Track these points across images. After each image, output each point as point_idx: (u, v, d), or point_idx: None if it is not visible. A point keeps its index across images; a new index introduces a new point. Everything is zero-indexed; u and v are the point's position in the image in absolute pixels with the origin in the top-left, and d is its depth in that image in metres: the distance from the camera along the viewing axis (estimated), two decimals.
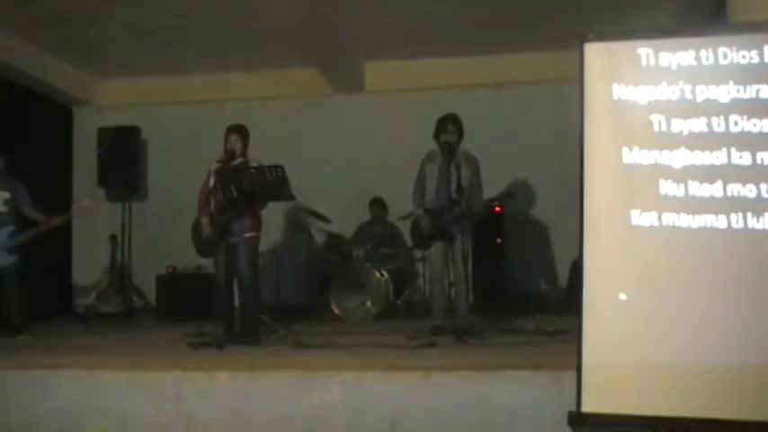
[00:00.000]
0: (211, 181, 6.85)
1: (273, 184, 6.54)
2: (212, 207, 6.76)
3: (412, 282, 9.73)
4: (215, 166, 6.86)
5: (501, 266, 9.66)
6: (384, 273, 8.96)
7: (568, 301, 8.36)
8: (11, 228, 7.77)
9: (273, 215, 9.61)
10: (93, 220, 9.98)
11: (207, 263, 7.79)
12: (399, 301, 9.32)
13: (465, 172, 6.95)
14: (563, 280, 9.73)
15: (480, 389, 4.67)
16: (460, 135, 7.10)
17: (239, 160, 6.90)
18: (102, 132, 10.55)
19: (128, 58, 10.21)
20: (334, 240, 9.70)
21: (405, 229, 9.08)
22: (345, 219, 9.98)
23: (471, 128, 7.29)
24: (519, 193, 9.10)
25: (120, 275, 10.28)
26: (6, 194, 7.84)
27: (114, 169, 10.41)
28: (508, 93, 10.29)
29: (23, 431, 5.10)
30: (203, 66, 10.42)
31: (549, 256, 10.25)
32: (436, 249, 7.14)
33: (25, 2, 8.22)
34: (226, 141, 6.95)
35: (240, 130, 7.00)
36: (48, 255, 8.55)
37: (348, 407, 4.76)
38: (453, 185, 6.87)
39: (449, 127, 7.06)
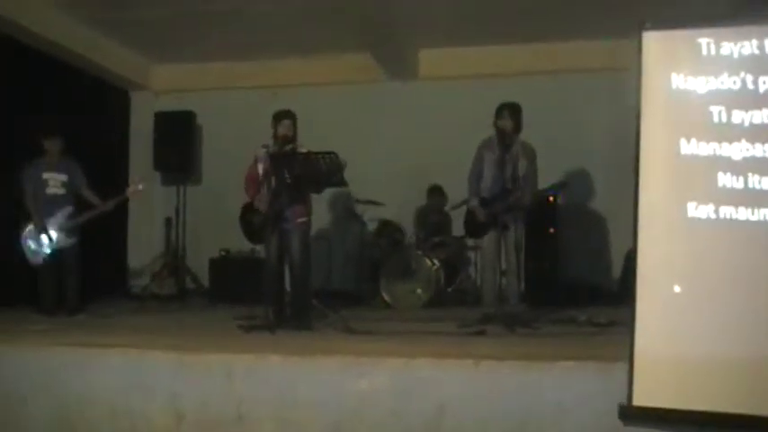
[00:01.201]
0: (260, 167, 6.88)
1: (328, 170, 6.55)
2: (263, 192, 6.81)
3: (463, 270, 9.70)
4: (261, 152, 6.89)
5: (554, 256, 9.61)
6: (435, 261, 8.95)
7: (621, 292, 8.26)
8: (69, 209, 7.92)
9: (326, 201, 9.70)
10: (148, 204, 10.14)
11: (260, 247, 7.84)
12: (450, 289, 9.30)
13: (522, 162, 6.91)
14: (617, 271, 9.63)
15: (529, 379, 4.63)
16: (517, 124, 7.05)
17: (290, 146, 6.92)
18: (159, 117, 10.70)
19: (183, 42, 10.32)
20: (386, 227, 9.71)
21: (456, 217, 9.08)
22: (399, 206, 9.98)
23: (527, 116, 7.23)
24: (573, 183, 9.02)
25: (174, 258, 10.42)
26: (64, 177, 7.99)
27: (170, 153, 10.58)
28: (564, 81, 10.18)
29: (77, 408, 5.17)
30: (257, 51, 10.49)
31: (602, 247, 10.15)
32: (489, 238, 7.16)
33: None
34: (278, 126, 6.95)
35: (293, 116, 7.02)
36: (104, 237, 8.70)
37: (396, 393, 4.75)
38: (508, 175, 6.86)
39: (504, 113, 7.03)
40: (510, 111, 7.04)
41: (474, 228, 7.33)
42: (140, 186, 8.15)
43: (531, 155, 7.06)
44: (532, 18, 9.29)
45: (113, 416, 5.12)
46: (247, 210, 7.03)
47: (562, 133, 9.68)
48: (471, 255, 9.68)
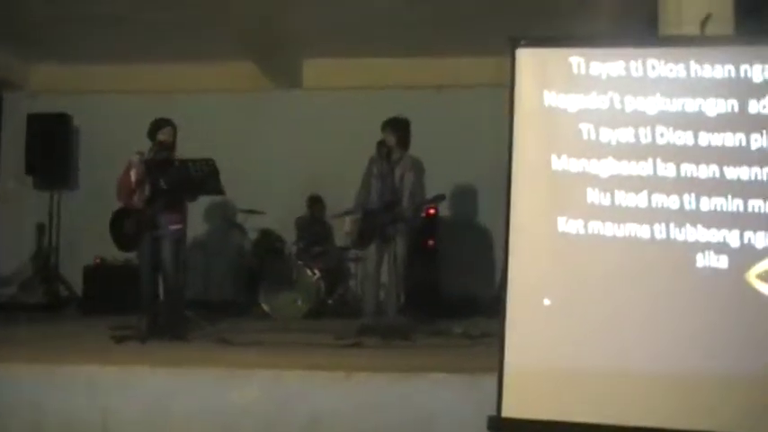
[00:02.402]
0: (133, 173, 6.74)
1: (203, 177, 6.46)
2: (136, 199, 6.66)
3: (344, 281, 9.68)
4: (135, 158, 6.77)
5: (434, 269, 9.68)
6: (316, 271, 8.91)
7: (497, 305, 8.38)
8: None
9: (205, 209, 9.53)
10: (18, 208, 9.75)
11: (135, 255, 7.65)
12: (330, 300, 9.26)
13: (408, 177, 6.98)
14: (496, 284, 9.76)
15: (401, 390, 4.65)
16: (402, 138, 7.12)
17: (165, 153, 6.80)
18: (32, 118, 10.32)
19: (61, 43, 9.99)
20: (267, 237, 9.61)
21: (337, 228, 9.07)
22: (281, 215, 9.89)
23: (412, 129, 7.29)
24: (455, 196, 9.13)
25: (45, 265, 10.05)
26: None
27: (43, 156, 10.19)
28: (447, 95, 10.31)
29: None
30: (140, 55, 10.26)
31: (482, 260, 10.27)
32: (371, 249, 7.18)
33: None
34: (157, 133, 6.83)
35: (173, 125, 6.94)
36: None
37: (268, 405, 4.70)
38: (392, 188, 6.98)
39: (387, 128, 7.12)
40: (393, 126, 7.10)
41: (359, 239, 7.34)
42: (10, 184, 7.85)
43: (418, 169, 7.13)
44: (417, 32, 9.36)
45: None
46: (118, 216, 6.83)
47: (447, 147, 9.76)
48: (352, 266, 9.67)
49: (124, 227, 6.73)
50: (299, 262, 9.09)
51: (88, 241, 9.89)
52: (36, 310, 9.30)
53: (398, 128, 7.14)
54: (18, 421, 4.86)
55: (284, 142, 10.44)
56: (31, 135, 10.26)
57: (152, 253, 6.72)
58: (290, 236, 9.76)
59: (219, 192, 6.73)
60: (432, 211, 9.56)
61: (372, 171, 7.26)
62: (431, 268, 9.57)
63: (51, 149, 10.20)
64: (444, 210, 9.79)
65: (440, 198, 7.35)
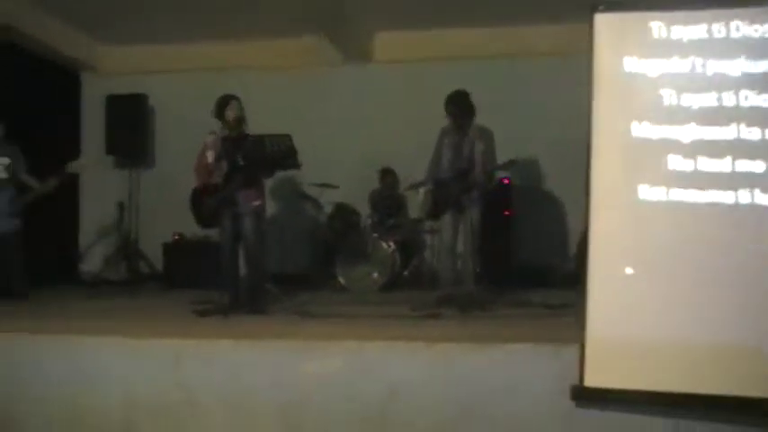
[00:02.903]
0: (209, 154, 6.80)
1: (281, 152, 6.50)
2: (215, 177, 6.75)
3: (419, 253, 9.70)
4: (210, 138, 6.83)
5: (509, 238, 9.65)
6: (391, 243, 8.94)
7: (576, 274, 8.32)
8: (11, 193, 7.80)
9: (279, 184, 9.63)
10: (100, 188, 9.97)
11: (214, 231, 7.78)
12: (406, 272, 9.29)
13: (478, 146, 6.94)
14: (572, 253, 9.68)
15: (480, 360, 4.64)
16: (468, 110, 7.07)
17: (238, 129, 6.86)
18: (110, 100, 10.53)
19: (135, 24, 10.12)
20: (341, 210, 9.67)
21: (410, 199, 9.07)
22: (353, 189, 9.93)
23: (483, 100, 7.24)
24: (529, 165, 9.05)
25: (126, 242, 10.29)
26: (6, 160, 7.88)
27: (122, 137, 10.41)
28: (521, 65, 10.16)
29: (25, 394, 5.10)
30: (210, 34, 10.35)
31: (558, 230, 10.20)
32: (446, 220, 7.17)
33: None
34: (226, 110, 6.85)
35: (236, 98, 6.94)
36: (54, 222, 8.55)
37: (347, 376, 4.75)
38: (465, 157, 6.98)
39: (451, 106, 7.07)
40: (454, 103, 7.06)
41: (433, 209, 7.34)
42: (83, 161, 8.04)
43: (488, 138, 7.09)
44: (488, 1, 9.26)
45: (62, 403, 5.06)
46: (197, 194, 6.92)
47: (519, 117, 9.68)
48: (427, 237, 9.68)
49: (204, 204, 6.83)
50: (374, 235, 9.13)
51: (166, 218, 10.10)
52: (119, 285, 9.54)
53: (460, 101, 7.09)
54: (108, 393, 4.99)
55: (355, 116, 10.45)
56: (110, 116, 10.48)
57: (233, 229, 6.80)
58: (363, 209, 9.80)
59: (296, 166, 6.76)
60: (506, 180, 9.50)
61: (444, 141, 7.23)
62: (506, 238, 9.54)
63: (129, 130, 10.40)
64: (518, 179, 9.70)
65: (510, 163, 7.29)
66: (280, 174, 7.23)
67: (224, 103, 6.89)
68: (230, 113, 6.84)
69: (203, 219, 6.93)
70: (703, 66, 4.12)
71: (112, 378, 5.00)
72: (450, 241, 7.18)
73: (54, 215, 8.28)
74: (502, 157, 7.23)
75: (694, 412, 4.16)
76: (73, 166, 7.87)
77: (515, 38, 10.14)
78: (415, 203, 8.59)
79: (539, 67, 9.95)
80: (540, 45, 9.94)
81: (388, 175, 9.97)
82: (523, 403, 4.50)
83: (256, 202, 6.85)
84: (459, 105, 7.07)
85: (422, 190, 7.66)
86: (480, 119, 7.19)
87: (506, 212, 9.65)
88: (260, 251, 6.97)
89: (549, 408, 4.44)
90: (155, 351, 5.04)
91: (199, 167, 6.91)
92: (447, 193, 7.06)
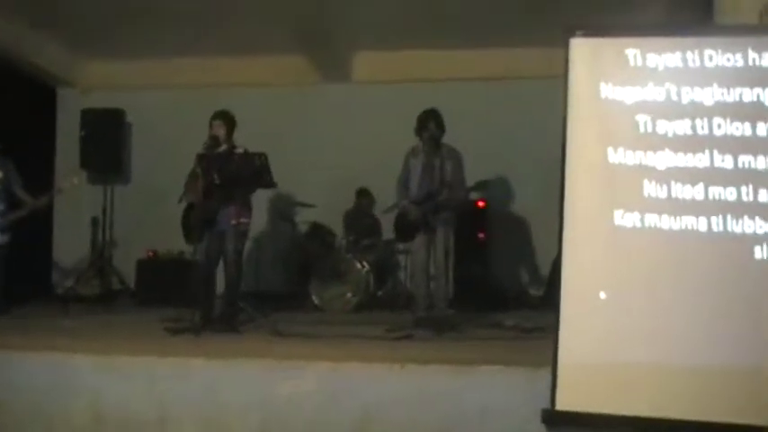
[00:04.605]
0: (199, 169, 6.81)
1: (256, 171, 6.51)
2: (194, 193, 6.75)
3: (393, 274, 9.70)
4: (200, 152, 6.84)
5: (483, 261, 9.66)
6: (365, 264, 8.94)
7: (548, 297, 8.35)
8: (2, 207, 7.74)
9: (256, 203, 9.59)
10: (75, 203, 9.91)
11: (188, 248, 7.76)
12: (380, 293, 9.29)
13: (447, 166, 6.96)
14: (545, 277, 9.72)
15: (454, 383, 4.66)
16: (442, 129, 7.10)
17: (224, 147, 6.87)
18: (86, 114, 10.47)
19: (113, 39, 10.07)
20: (317, 230, 9.66)
21: (385, 221, 9.09)
22: (329, 208, 9.93)
23: (457, 122, 7.28)
24: (503, 187, 9.09)
25: (100, 258, 10.21)
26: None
27: (97, 152, 10.32)
28: (496, 88, 10.22)
29: None
30: (190, 50, 10.30)
31: (531, 253, 10.24)
32: (419, 242, 7.16)
33: None
34: (210, 127, 6.91)
35: (224, 117, 6.98)
36: (29, 237, 8.46)
37: (322, 396, 4.75)
38: (436, 179, 6.92)
39: (429, 124, 7.06)
40: (434, 120, 7.08)
41: (404, 231, 7.34)
42: (75, 180, 7.99)
43: (457, 159, 7.10)
44: (466, 24, 9.31)
45: (33, 417, 5.02)
46: (188, 210, 6.94)
47: (493, 140, 9.74)
48: (401, 258, 9.69)
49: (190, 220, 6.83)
50: (349, 255, 9.13)
51: (141, 234, 10.06)
52: (91, 301, 9.45)
53: (439, 118, 7.11)
54: (79, 408, 4.96)
55: (333, 135, 10.45)
56: (86, 130, 10.40)
57: (213, 247, 6.81)
58: (339, 229, 9.80)
59: (272, 185, 6.78)
60: (481, 203, 9.54)
61: (411, 162, 7.22)
62: (480, 261, 9.55)
63: (105, 144, 10.33)
64: (492, 202, 9.74)
65: (482, 184, 7.32)
66: (257, 192, 7.21)
67: (210, 120, 6.96)
68: (212, 131, 6.89)
69: (190, 235, 6.91)
70: (678, 93, 4.19)
71: (85, 394, 4.98)
72: (423, 263, 7.16)
73: (29, 230, 8.19)
74: (476, 178, 7.26)
75: None
76: (65, 184, 7.83)
77: (492, 60, 10.18)
78: (390, 224, 8.59)
79: (513, 91, 10.02)
80: (521, 68, 10.00)
81: (363, 195, 9.97)
82: (496, 425, 4.52)
83: (240, 220, 6.82)
84: (438, 122, 7.08)
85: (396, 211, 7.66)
86: (457, 140, 7.22)
87: (480, 235, 9.67)
88: (239, 269, 6.97)
89: (520, 430, 4.44)
90: (127, 368, 5.01)
91: (187, 182, 6.92)
92: (418, 214, 7.07)
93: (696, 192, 4.14)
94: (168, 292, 8.81)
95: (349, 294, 8.85)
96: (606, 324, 4.20)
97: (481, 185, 7.39)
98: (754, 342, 4.00)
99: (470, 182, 7.23)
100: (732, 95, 4.12)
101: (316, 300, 8.86)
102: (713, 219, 4.10)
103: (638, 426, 4.13)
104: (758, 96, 4.10)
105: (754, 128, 4.09)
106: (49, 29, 9.85)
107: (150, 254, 9.92)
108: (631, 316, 4.18)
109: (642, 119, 4.22)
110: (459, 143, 7.22)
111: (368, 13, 9.03)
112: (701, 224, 4.12)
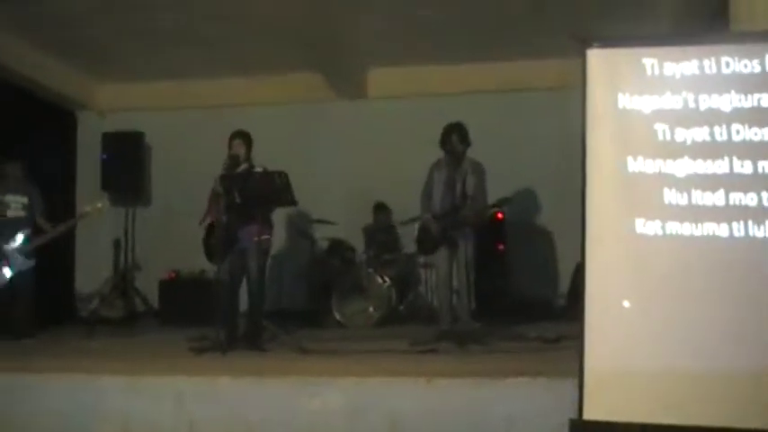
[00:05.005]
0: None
1: (277, 189, 6.56)
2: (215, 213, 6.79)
3: (414, 288, 9.72)
4: (220, 172, 6.89)
5: (504, 273, 9.67)
6: (386, 278, 8.96)
7: (570, 307, 8.34)
8: (27, 231, 7.82)
9: (276, 221, 9.65)
10: (96, 226, 9.98)
11: (210, 267, 7.80)
12: (402, 307, 9.31)
13: (470, 180, 6.99)
14: (566, 287, 9.71)
15: (480, 395, 4.67)
16: (466, 143, 7.13)
17: (244, 166, 6.92)
18: (106, 137, 10.57)
19: (130, 61, 10.22)
20: (337, 246, 9.70)
21: (405, 234, 9.11)
22: (347, 224, 9.97)
23: (475, 135, 7.30)
24: (521, 200, 9.10)
25: (122, 280, 10.28)
26: (25, 199, 8.00)
27: (118, 174, 10.42)
28: (512, 99, 10.26)
29: None
30: (207, 70, 10.43)
31: (551, 263, 10.25)
32: (441, 255, 7.18)
33: (26, 2, 8.17)
34: (230, 147, 6.97)
35: (243, 136, 7.03)
36: (51, 260, 8.54)
37: (348, 412, 4.76)
38: (458, 193, 6.96)
39: (452, 137, 7.09)
40: (458, 133, 7.10)
41: (427, 244, 7.36)
42: (99, 204, 8.04)
43: (480, 173, 7.12)
44: (481, 38, 9.37)
45: None
46: (209, 230, 7.00)
47: (511, 151, 9.76)
48: (422, 272, 9.71)
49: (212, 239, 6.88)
50: (370, 270, 9.16)
51: (162, 255, 10.13)
52: (115, 323, 9.51)
53: (463, 132, 7.14)
54: (107, 430, 4.99)
55: (349, 152, 10.53)
56: (107, 153, 10.50)
57: (236, 265, 6.84)
58: (358, 244, 9.84)
59: (293, 203, 6.82)
60: (500, 215, 9.55)
61: (434, 175, 7.26)
62: (500, 272, 9.56)
63: (125, 167, 10.43)
64: (511, 213, 9.75)
65: (505, 201, 7.34)
66: (276, 210, 7.26)
67: (229, 139, 7.01)
68: (231, 150, 6.94)
69: (212, 254, 6.96)
70: (695, 101, 4.20)
71: (113, 415, 5.01)
72: (446, 277, 7.19)
73: (51, 253, 8.26)
74: (495, 191, 7.28)
75: None
76: (89, 209, 7.90)
77: (508, 73, 10.24)
78: (410, 238, 8.62)
79: (530, 102, 10.05)
80: (533, 79, 10.05)
81: (381, 210, 10.01)
82: None
83: (262, 237, 6.83)
84: (462, 135, 7.11)
85: (417, 225, 7.69)
86: (475, 153, 7.24)
87: (500, 246, 9.69)
88: (262, 287, 7.00)
89: None
90: (155, 388, 5.04)
91: (208, 201, 6.97)
92: (439, 228, 7.10)
93: (717, 198, 4.14)
94: (191, 311, 8.87)
95: (371, 309, 8.88)
96: (631, 332, 4.20)
97: (503, 202, 7.41)
98: None
99: (491, 192, 7.25)
100: (750, 101, 4.12)
101: (338, 316, 8.89)
102: (734, 225, 4.10)
103: None
104: None
105: None
106: (67, 53, 9.97)
107: (172, 274, 9.99)
108: (656, 323, 4.17)
109: (660, 127, 4.23)
110: (475, 155, 7.25)
111: (381, 29, 9.09)
112: (722, 230, 4.12)
